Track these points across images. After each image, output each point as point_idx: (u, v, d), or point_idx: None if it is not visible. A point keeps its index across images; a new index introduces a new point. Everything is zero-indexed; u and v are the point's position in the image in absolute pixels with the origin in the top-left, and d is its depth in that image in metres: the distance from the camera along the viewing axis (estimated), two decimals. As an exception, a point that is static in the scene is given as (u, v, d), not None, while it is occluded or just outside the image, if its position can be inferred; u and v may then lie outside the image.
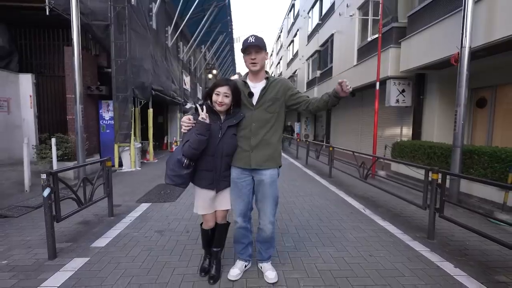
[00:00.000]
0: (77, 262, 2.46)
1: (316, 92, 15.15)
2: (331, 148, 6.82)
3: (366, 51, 9.46)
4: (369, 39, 9.32)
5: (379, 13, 7.23)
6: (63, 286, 2.11)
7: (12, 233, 3.12)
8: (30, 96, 6.78)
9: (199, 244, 2.80)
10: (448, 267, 2.44)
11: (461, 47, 4.41)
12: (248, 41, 1.94)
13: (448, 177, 4.32)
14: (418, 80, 7.59)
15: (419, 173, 5.32)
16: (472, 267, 2.46)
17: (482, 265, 2.48)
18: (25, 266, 2.40)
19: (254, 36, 1.97)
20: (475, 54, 4.89)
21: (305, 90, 18.12)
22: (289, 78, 25.16)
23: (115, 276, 2.25)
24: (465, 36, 4.37)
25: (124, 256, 2.57)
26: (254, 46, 1.94)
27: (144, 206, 4.13)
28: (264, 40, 2.00)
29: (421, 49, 6.49)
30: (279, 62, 32.20)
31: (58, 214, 2.60)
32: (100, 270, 2.34)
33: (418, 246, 2.84)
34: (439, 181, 3.01)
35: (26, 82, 6.74)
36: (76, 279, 2.21)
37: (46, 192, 2.44)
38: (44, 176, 2.43)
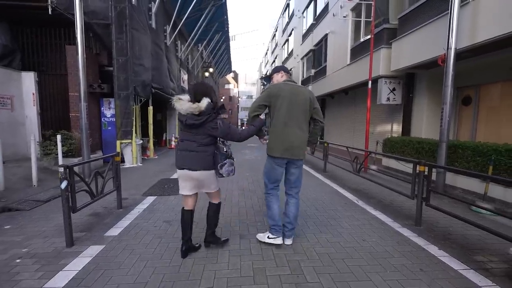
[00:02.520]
0: (94, 249, 2.60)
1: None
2: (326, 144, 7.02)
3: (358, 51, 9.66)
4: (361, 39, 9.52)
5: (371, 14, 7.41)
6: (84, 269, 2.26)
7: (27, 225, 3.23)
8: (33, 94, 6.79)
9: (206, 232, 2.98)
10: (433, 249, 2.66)
11: (447, 48, 4.63)
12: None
13: (434, 170, 4.57)
14: (408, 79, 7.83)
15: (408, 167, 5.55)
16: (454, 249, 2.68)
17: (463, 248, 2.71)
18: (45, 253, 2.53)
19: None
20: (460, 55, 5.12)
21: (299, 88, 18.27)
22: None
23: (131, 260, 2.40)
24: (451, 38, 4.59)
25: (137, 243, 2.72)
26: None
27: (150, 199, 4.26)
28: (273, 70, 2.82)
29: (411, 49, 6.71)
30: (274, 61, 32.27)
31: (74, 205, 2.73)
32: (117, 255, 2.49)
33: (406, 232, 3.06)
34: (426, 173, 3.22)
35: (28, 80, 6.74)
36: (95, 263, 2.35)
37: (64, 185, 2.56)
38: (61, 169, 2.55)
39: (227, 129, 2.32)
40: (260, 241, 2.73)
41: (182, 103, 2.23)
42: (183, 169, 2.33)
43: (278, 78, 2.74)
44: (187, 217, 2.46)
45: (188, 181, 2.36)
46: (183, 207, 2.48)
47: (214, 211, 2.57)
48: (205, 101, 2.22)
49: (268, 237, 2.67)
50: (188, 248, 2.48)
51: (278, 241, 2.63)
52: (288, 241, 2.68)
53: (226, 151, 2.38)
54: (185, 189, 2.40)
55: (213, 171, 2.37)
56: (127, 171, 6.70)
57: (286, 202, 2.70)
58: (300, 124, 2.54)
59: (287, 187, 2.69)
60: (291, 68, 21.20)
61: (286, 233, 2.68)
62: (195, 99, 2.24)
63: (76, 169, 2.78)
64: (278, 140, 2.50)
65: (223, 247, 2.63)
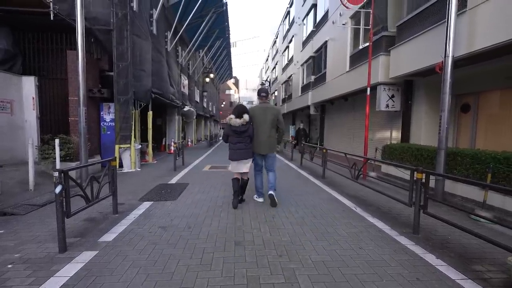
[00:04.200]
0: (87, 255, 2.57)
1: (311, 97, 15.41)
2: (324, 150, 7.01)
3: (358, 58, 9.73)
4: (360, 46, 9.59)
5: (370, 22, 7.49)
6: (75, 276, 2.23)
7: (21, 229, 3.21)
8: (33, 98, 6.83)
9: (201, 239, 2.97)
10: (430, 258, 2.62)
11: (445, 56, 4.66)
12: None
13: (433, 177, 4.54)
14: (407, 86, 7.86)
15: (406, 174, 5.53)
16: (452, 258, 2.64)
17: (461, 257, 2.67)
18: (38, 259, 2.50)
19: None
20: (457, 63, 5.14)
21: (299, 94, 18.39)
22: (284, 83, 25.49)
23: (123, 267, 2.37)
24: (449, 46, 4.61)
25: (131, 250, 2.69)
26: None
27: (146, 204, 4.25)
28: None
29: (409, 57, 6.75)
30: (274, 67, 32.49)
31: (68, 209, 2.71)
32: (109, 262, 2.46)
33: (404, 240, 3.03)
34: (423, 180, 3.20)
35: (29, 85, 6.79)
36: (87, 270, 2.32)
37: (58, 189, 2.55)
38: (56, 174, 2.55)
39: (253, 131, 4.22)
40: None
41: (235, 121, 4.04)
42: (239, 160, 4.14)
43: (259, 100, 4.47)
44: (236, 182, 4.22)
45: (240, 165, 4.18)
46: (233, 178, 4.28)
47: (244, 183, 4.33)
48: (246, 116, 4.08)
49: (255, 197, 4.55)
50: (238, 200, 4.19)
51: (260, 199, 4.46)
52: (271, 192, 4.26)
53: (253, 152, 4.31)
54: (237, 169, 4.22)
55: (251, 159, 4.28)
56: (125, 176, 6.68)
57: (267, 175, 4.42)
58: (268, 132, 4.23)
59: (266, 169, 4.45)
60: (291, 75, 21.41)
61: (270, 189, 4.30)
62: (239, 115, 4.05)
63: (73, 173, 2.76)
64: (256, 143, 4.24)
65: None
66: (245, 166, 4.21)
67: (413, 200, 3.32)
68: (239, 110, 4.13)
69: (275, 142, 4.31)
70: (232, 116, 4.11)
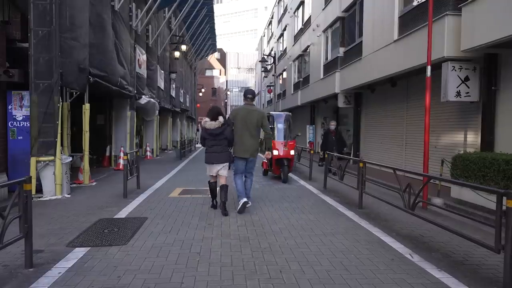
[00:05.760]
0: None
1: (339, 80, 15.47)
2: (361, 164, 7.02)
3: (412, 19, 9.84)
4: (415, 2, 9.72)
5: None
6: None
7: None
8: None
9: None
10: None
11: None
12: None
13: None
14: (489, 63, 7.92)
15: (491, 201, 5.52)
16: None
17: None
18: None
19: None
20: None
21: (321, 76, 18.51)
22: (296, 58, 25.65)
23: None
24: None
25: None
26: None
27: (79, 252, 4.21)
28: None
29: (494, 16, 6.72)
30: (282, 34, 32.73)
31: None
32: None
33: (489, 307, 3.00)
34: (518, 210, 3.19)
35: None
36: None
37: None
38: None
39: (231, 133, 6.21)
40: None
41: (210, 123, 5.93)
42: (214, 163, 6.06)
43: (244, 102, 6.70)
44: (214, 186, 6.34)
45: (215, 168, 6.11)
46: (209, 181, 6.40)
47: (224, 190, 6.06)
48: (221, 118, 6.02)
49: (239, 201, 6.24)
50: (215, 205, 6.42)
51: (242, 200, 6.15)
52: (245, 199, 6.20)
53: (233, 155, 6.37)
54: (213, 172, 6.19)
55: (227, 163, 6.23)
56: (46, 206, 6.68)
57: (244, 180, 6.50)
58: (252, 136, 6.32)
59: (245, 172, 6.54)
60: (308, 46, 21.63)
61: (246, 196, 6.35)
62: (214, 118, 5.98)
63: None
64: (238, 147, 6.30)
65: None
66: (221, 169, 6.11)
67: (502, 243, 3.30)
68: (213, 112, 6.11)
69: (257, 146, 6.52)
70: (206, 119, 6.05)
